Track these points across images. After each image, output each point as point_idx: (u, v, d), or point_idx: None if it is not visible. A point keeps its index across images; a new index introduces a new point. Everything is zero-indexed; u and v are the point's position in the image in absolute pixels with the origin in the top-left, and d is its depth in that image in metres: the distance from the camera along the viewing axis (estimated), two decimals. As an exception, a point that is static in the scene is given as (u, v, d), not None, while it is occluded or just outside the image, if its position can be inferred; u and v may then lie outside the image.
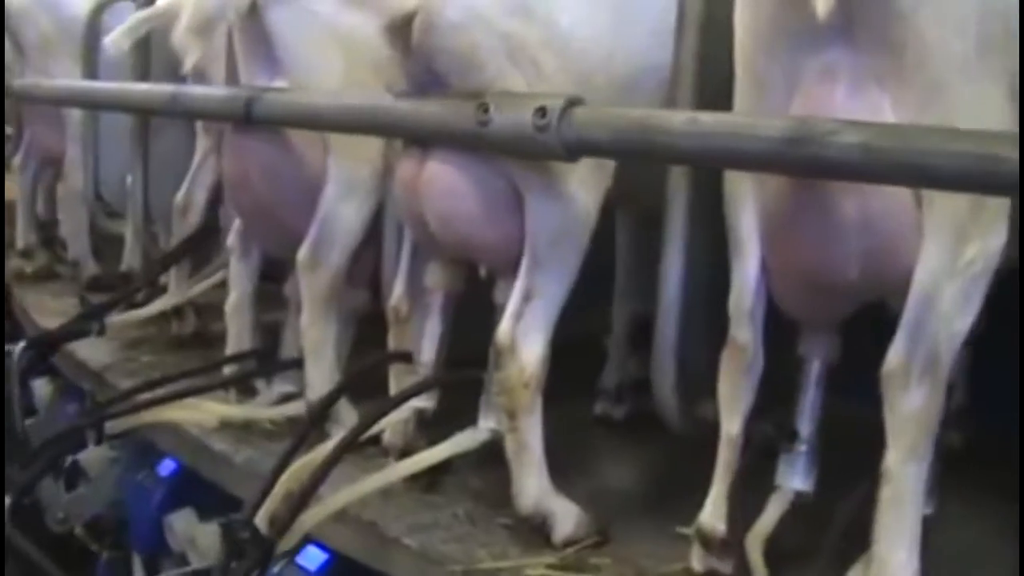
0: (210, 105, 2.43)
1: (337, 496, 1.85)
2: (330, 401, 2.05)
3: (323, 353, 2.30)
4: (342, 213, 2.25)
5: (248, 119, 2.17)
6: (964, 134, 1.21)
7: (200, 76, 2.84)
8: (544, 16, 1.80)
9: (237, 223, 2.49)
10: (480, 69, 1.78)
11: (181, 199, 3.11)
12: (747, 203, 1.62)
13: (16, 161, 4.17)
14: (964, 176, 1.18)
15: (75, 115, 3.81)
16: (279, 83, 2.24)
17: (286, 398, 2.51)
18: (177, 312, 3.13)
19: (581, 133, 1.51)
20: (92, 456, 2.75)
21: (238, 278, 2.50)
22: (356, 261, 2.31)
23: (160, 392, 2.44)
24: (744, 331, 1.66)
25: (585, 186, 1.85)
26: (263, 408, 2.44)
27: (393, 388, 2.13)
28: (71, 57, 3.76)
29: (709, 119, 1.38)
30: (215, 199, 3.07)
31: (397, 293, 2.11)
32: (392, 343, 2.13)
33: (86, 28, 3.68)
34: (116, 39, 2.57)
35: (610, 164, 1.88)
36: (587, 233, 1.89)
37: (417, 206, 1.95)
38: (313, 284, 2.26)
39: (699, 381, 1.81)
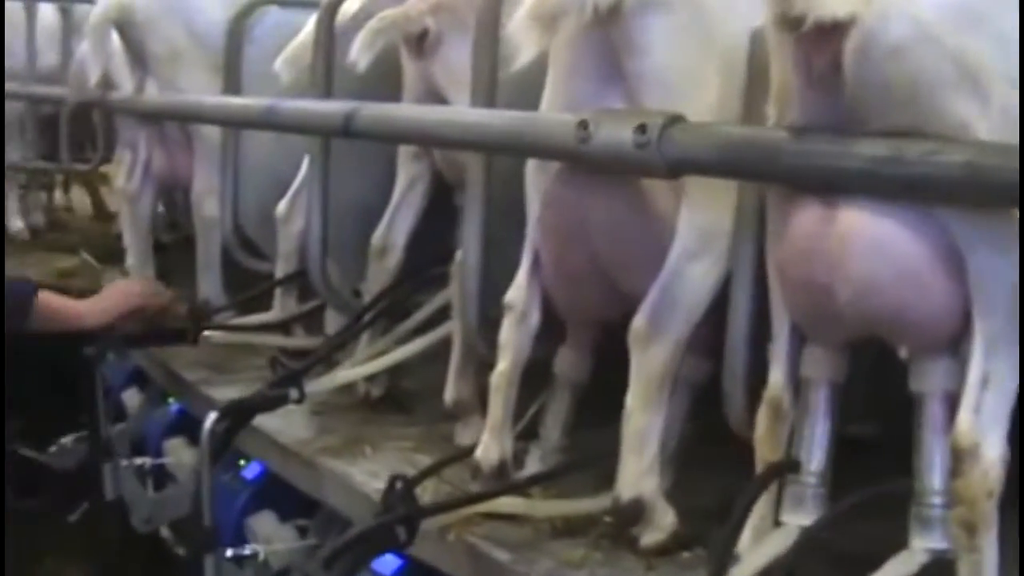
0: (308, 119, 2.40)
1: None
2: (729, 542, 1.64)
3: (647, 443, 1.93)
4: (691, 274, 1.87)
5: (347, 133, 2.13)
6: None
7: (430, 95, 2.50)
8: (995, 28, 1.45)
9: (523, 276, 2.10)
10: (919, 103, 1.43)
11: (379, 239, 2.74)
12: None
13: (127, 187, 3.76)
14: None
15: (209, 135, 3.43)
16: (617, 104, 1.84)
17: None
18: (366, 370, 2.73)
19: (682, 151, 1.49)
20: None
21: (514, 344, 2.10)
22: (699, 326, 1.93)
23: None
24: None
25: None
26: (561, 503, 2.07)
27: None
28: (205, 68, 3.41)
29: (812, 137, 1.38)
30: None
31: (777, 382, 1.73)
32: (764, 446, 1.74)
33: (228, 36, 3.32)
34: (357, 57, 2.34)
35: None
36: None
37: (821, 270, 1.58)
38: (647, 359, 1.88)
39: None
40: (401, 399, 2.80)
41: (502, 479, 2.10)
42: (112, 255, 4.72)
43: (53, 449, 3.57)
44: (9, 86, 4.58)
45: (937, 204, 1.44)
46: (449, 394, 2.47)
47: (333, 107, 2.25)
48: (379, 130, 2.19)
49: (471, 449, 2.15)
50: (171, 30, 3.41)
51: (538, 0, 1.72)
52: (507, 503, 2.01)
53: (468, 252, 2.29)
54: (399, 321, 2.76)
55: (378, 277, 2.75)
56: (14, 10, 4.89)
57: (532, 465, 2.19)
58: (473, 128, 1.92)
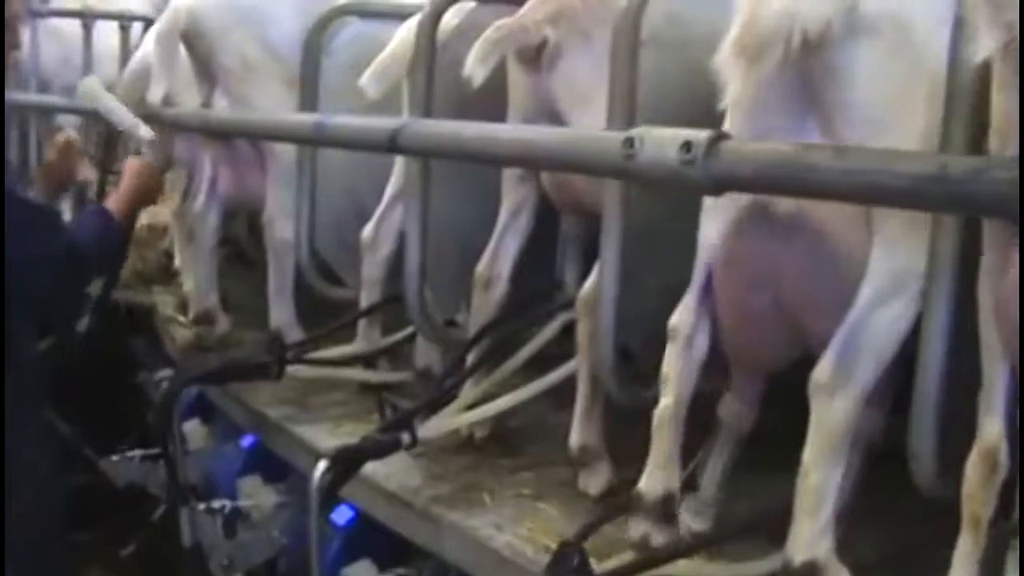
0: (355, 134, 2.45)
1: None
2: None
3: (823, 502, 1.79)
4: (881, 319, 1.73)
5: (392, 148, 2.15)
6: None
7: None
8: None
9: (690, 299, 1.97)
10: None
11: (484, 269, 2.61)
12: None
13: (190, 207, 3.63)
14: None
15: (284, 153, 3.29)
16: (814, 138, 1.73)
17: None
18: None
19: (728, 168, 1.50)
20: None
21: (679, 374, 1.96)
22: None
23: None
24: None
25: None
26: (729, 566, 1.96)
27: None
28: (279, 82, 3.27)
29: (856, 154, 1.39)
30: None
31: (993, 432, 1.58)
32: (975, 502, 1.60)
33: (305, 48, 3.19)
34: (472, 72, 2.21)
35: None
36: None
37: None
38: (829, 413, 1.75)
39: None
40: (507, 439, 2.66)
41: (667, 514, 1.98)
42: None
43: (115, 458, 3.44)
44: (63, 101, 4.56)
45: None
46: (575, 439, 2.33)
47: (379, 123, 2.25)
48: (426, 146, 2.20)
49: (624, 504, 2.04)
50: (244, 42, 3.27)
51: (744, 30, 1.62)
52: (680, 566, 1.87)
53: (605, 285, 2.15)
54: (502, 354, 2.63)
55: (483, 310, 2.61)
56: (73, 26, 4.95)
57: (687, 518, 2.08)
58: (521, 145, 1.91)
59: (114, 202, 2.90)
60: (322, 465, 2.22)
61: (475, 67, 2.23)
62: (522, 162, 2.14)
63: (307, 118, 2.74)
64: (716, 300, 1.96)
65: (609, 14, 2.30)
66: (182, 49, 3.34)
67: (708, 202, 1.95)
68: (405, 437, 2.34)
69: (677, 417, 1.97)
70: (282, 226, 3.33)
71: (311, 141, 2.98)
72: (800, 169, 1.42)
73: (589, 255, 2.78)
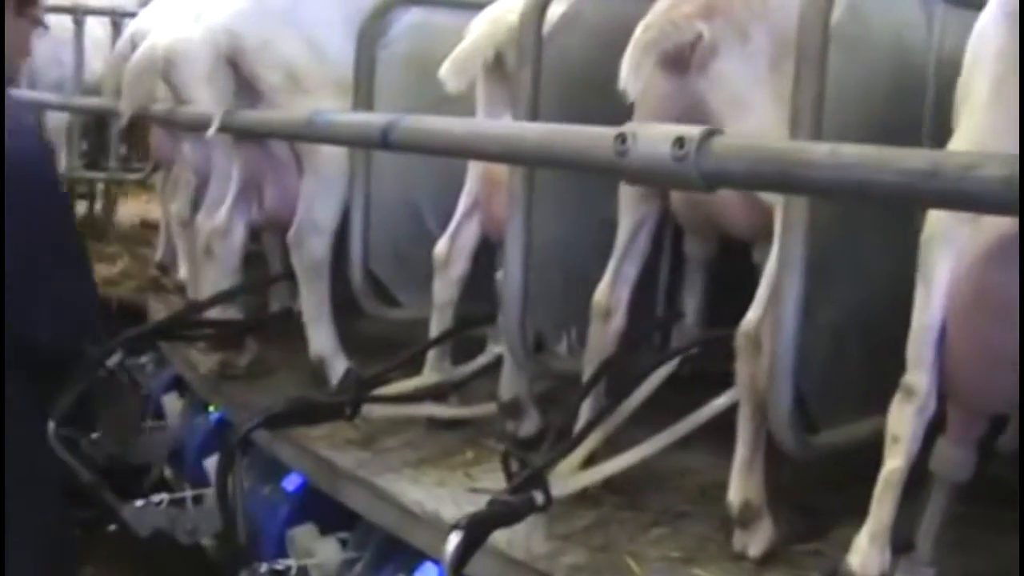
0: (347, 130, 2.46)
1: None
2: None
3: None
4: None
5: (385, 145, 2.16)
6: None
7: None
8: None
9: (927, 354, 1.76)
10: None
11: (603, 296, 2.35)
12: None
13: (211, 221, 3.30)
14: None
15: (326, 159, 2.99)
16: None
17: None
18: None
19: (720, 164, 1.50)
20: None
21: (913, 435, 1.78)
22: None
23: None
24: None
25: None
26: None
27: None
28: (332, 88, 2.97)
29: (850, 151, 1.38)
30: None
31: None
32: None
33: (359, 41, 2.90)
34: (628, 83, 1.97)
35: None
36: None
37: None
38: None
39: None
40: (623, 488, 2.39)
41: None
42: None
43: (139, 504, 3.14)
44: (53, 97, 4.42)
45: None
46: (735, 495, 2.09)
47: (372, 119, 2.27)
48: (419, 142, 2.18)
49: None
50: (288, 51, 2.96)
51: None
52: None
53: (784, 321, 1.91)
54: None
55: (601, 342, 2.35)
56: (63, 21, 4.83)
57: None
58: (509, 140, 1.90)
59: None
60: (455, 538, 1.94)
61: (631, 77, 1.96)
62: (513, 159, 2.13)
63: (299, 114, 2.60)
64: (951, 341, 1.74)
65: (767, 8, 2.08)
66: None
67: (937, 236, 1.75)
68: (538, 497, 2.07)
69: (903, 482, 1.76)
70: (312, 244, 3.02)
71: (303, 137, 2.82)
72: (793, 166, 1.41)
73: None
